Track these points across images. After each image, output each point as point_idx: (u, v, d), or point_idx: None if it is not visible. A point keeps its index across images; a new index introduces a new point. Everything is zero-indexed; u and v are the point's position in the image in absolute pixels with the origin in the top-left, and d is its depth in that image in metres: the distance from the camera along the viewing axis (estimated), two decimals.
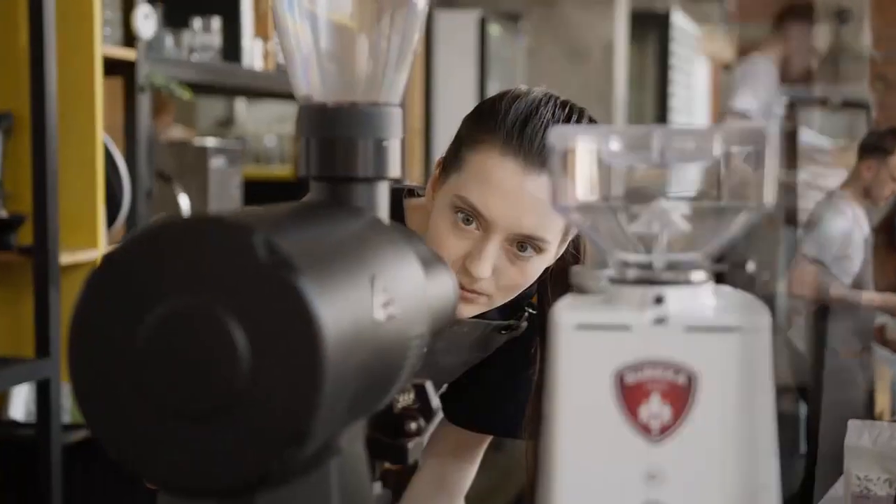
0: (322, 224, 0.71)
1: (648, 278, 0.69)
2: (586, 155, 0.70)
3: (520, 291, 1.29)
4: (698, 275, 0.70)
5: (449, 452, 1.49)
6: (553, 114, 1.26)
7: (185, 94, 2.70)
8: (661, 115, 7.45)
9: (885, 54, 9.67)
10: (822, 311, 4.24)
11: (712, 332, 0.67)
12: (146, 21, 2.59)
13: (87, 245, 2.47)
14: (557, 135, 0.70)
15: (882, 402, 4.18)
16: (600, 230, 0.72)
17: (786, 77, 4.55)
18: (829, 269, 4.19)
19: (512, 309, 1.40)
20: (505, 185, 1.22)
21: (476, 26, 4.70)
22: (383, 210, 0.81)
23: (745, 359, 0.67)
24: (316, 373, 0.59)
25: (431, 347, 0.80)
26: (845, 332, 4.36)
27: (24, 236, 2.37)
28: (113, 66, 2.60)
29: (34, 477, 2.36)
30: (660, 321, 0.67)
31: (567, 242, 1.33)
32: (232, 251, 0.60)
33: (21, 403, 2.63)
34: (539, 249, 1.25)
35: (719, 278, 0.73)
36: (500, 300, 1.29)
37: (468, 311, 1.28)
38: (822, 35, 4.57)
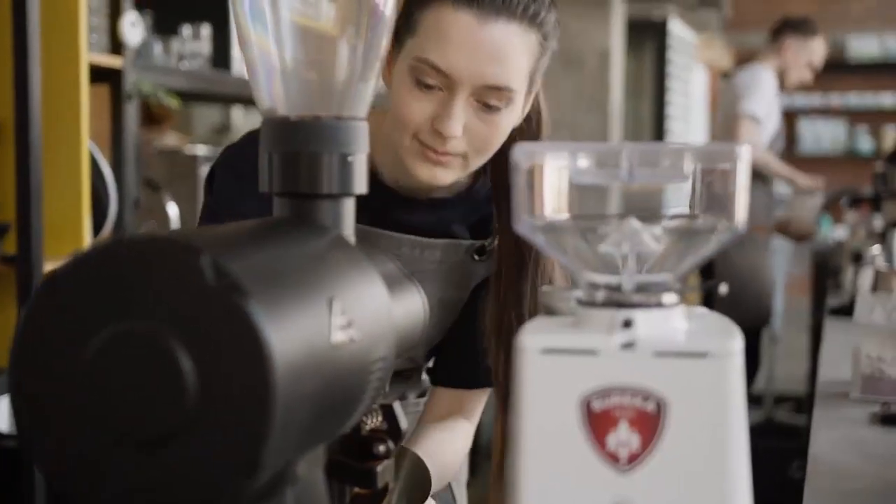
0: (280, 243, 0.68)
1: (617, 301, 0.67)
2: (553, 172, 0.68)
3: (492, 151, 1.27)
4: (669, 297, 0.68)
5: (446, 414, 1.45)
6: None
7: (173, 102, 2.67)
8: (658, 122, 7.43)
9: None
10: None
11: (682, 357, 0.64)
12: (133, 28, 2.57)
13: (72, 254, 2.44)
14: (523, 152, 0.68)
15: None
16: (568, 250, 0.70)
17: (782, 87, 4.56)
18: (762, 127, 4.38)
19: (482, 232, 1.38)
20: (462, 38, 1.19)
21: None
22: (349, 227, 0.79)
23: (717, 385, 0.64)
24: (265, 400, 0.57)
25: None
26: (757, 205, 4.47)
27: (8, 245, 2.35)
28: (100, 74, 2.57)
29: (18, 488, 2.33)
30: (628, 346, 0.65)
31: (533, 94, 1.30)
32: (179, 273, 0.58)
33: (4, 414, 2.60)
34: (506, 100, 1.23)
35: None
36: (476, 162, 1.26)
37: (445, 175, 1.26)
38: (819, 47, 4.56)
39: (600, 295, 0.68)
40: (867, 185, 7.05)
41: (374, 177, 1.35)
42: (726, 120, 4.53)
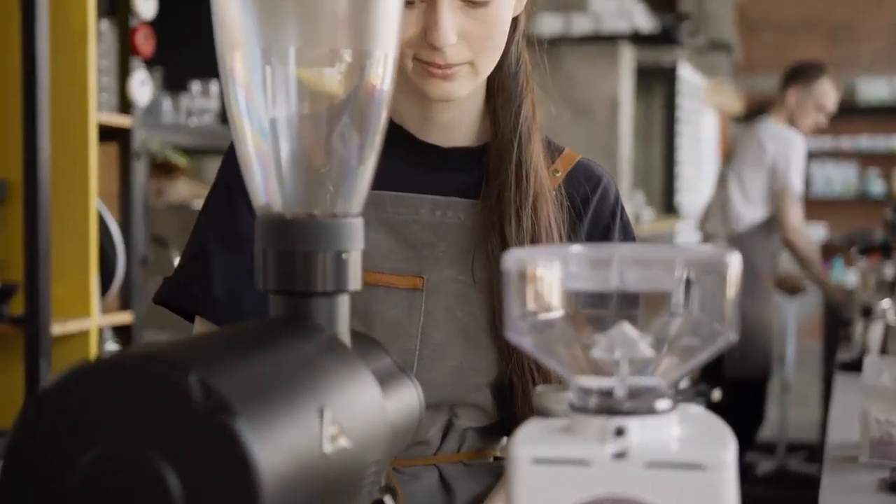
0: (270, 351, 0.68)
1: (610, 407, 0.67)
2: (543, 278, 0.68)
3: (498, 49, 1.18)
4: (662, 403, 0.67)
5: None
6: None
7: (181, 161, 2.69)
8: (668, 168, 7.44)
9: None
10: (748, 234, 4.39)
11: (675, 468, 0.64)
12: (142, 87, 2.59)
13: (81, 314, 2.45)
14: (512, 258, 0.67)
15: None
16: (559, 354, 0.69)
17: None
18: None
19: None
20: None
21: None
22: (343, 324, 0.79)
23: (711, 497, 0.64)
24: None
25: None
26: (764, 254, 4.45)
27: (16, 306, 2.35)
28: (109, 133, 2.59)
29: None
30: (620, 456, 0.64)
31: None
32: (166, 393, 0.58)
33: None
34: None
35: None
36: (485, 64, 1.18)
37: (456, 88, 1.18)
38: (830, 90, 4.56)
39: (592, 401, 0.67)
40: (879, 227, 7.04)
41: (398, 129, 1.28)
42: (735, 182, 4.51)
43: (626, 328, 0.68)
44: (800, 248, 4.40)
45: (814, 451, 5.21)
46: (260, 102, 0.78)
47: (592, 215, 1.28)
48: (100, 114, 2.51)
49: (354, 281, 0.79)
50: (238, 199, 1.25)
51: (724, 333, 0.67)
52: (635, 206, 6.25)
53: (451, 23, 1.14)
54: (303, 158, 0.79)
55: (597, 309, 0.70)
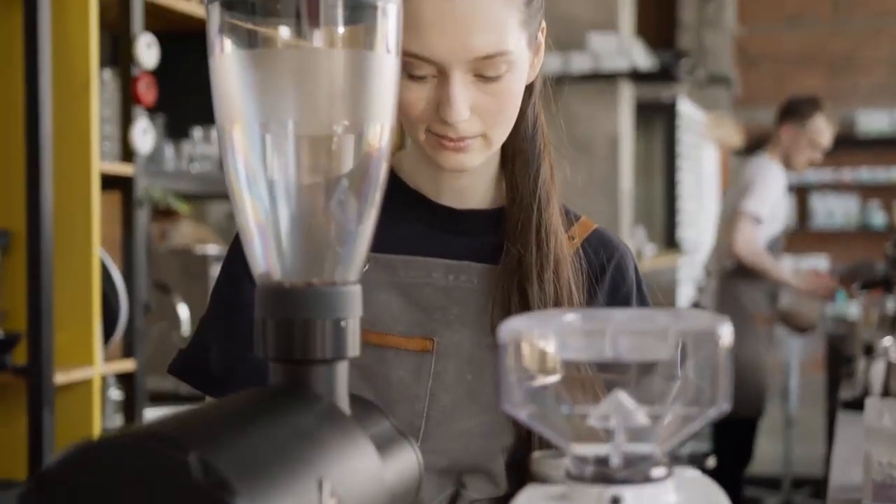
0: (268, 423, 0.69)
1: (605, 476, 0.67)
2: (538, 349, 0.69)
3: (511, 120, 1.17)
4: (658, 471, 0.68)
5: None
6: None
7: (182, 208, 2.70)
8: (670, 202, 7.46)
9: (748, 29, 9.71)
10: (737, 272, 4.37)
11: None
12: (144, 136, 2.61)
13: (84, 363, 2.46)
14: (508, 329, 0.68)
15: None
16: (556, 423, 0.70)
17: (788, 168, 4.55)
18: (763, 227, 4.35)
19: None
20: (432, 17, 1.11)
21: None
22: (342, 390, 0.79)
23: None
24: None
25: None
26: (758, 295, 4.41)
27: (19, 355, 2.36)
28: (111, 181, 2.61)
29: None
30: None
31: (541, 50, 1.22)
32: (167, 471, 0.59)
33: None
34: (505, 64, 1.13)
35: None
36: (498, 135, 1.18)
37: (469, 159, 1.17)
38: (825, 127, 4.56)
39: (588, 469, 0.68)
40: (880, 259, 7.04)
41: (413, 192, 1.28)
42: (727, 212, 4.53)
43: (622, 396, 0.69)
44: (753, 263, 4.31)
45: (819, 487, 5.20)
46: (259, 173, 0.79)
47: (610, 284, 1.27)
48: (102, 163, 2.53)
49: (353, 348, 0.80)
50: (242, 277, 1.26)
51: (717, 402, 0.68)
52: (637, 241, 6.26)
53: (463, 98, 1.13)
54: (301, 227, 0.80)
55: (592, 377, 0.71)
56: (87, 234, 2.45)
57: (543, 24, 1.23)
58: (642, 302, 1.28)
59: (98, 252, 2.48)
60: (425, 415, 1.19)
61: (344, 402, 0.79)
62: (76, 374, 2.44)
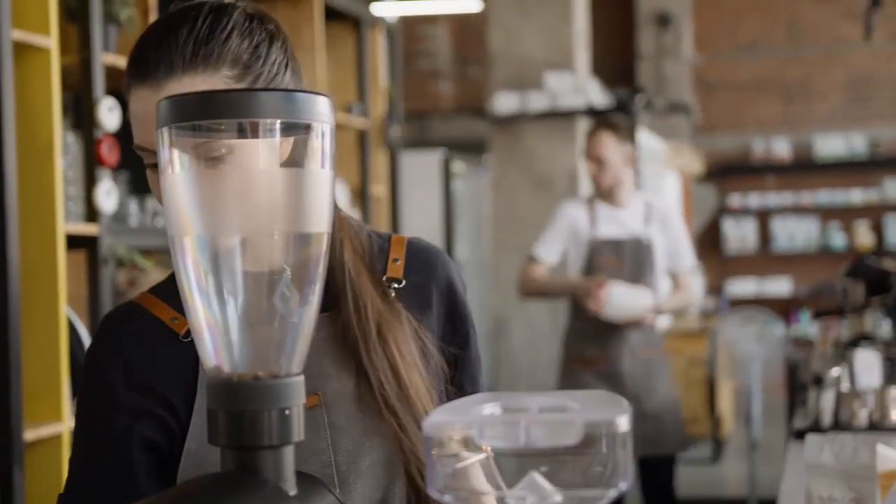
0: None
1: None
2: (459, 440, 0.77)
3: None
4: None
5: None
6: (170, 16, 1.21)
7: (147, 265, 2.77)
8: None
9: (706, 58, 9.89)
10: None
11: None
12: (108, 196, 2.68)
13: (52, 419, 2.51)
14: (430, 424, 0.77)
15: None
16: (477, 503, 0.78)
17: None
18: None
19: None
20: (145, 111, 1.18)
21: (440, 164, 4.81)
22: (288, 472, 0.87)
23: None
24: None
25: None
26: (579, 339, 4.12)
27: None
28: (76, 240, 2.68)
29: None
30: None
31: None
32: None
33: None
34: (226, 148, 1.15)
35: None
36: None
37: None
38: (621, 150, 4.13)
39: None
40: (840, 279, 7.15)
41: None
42: None
43: (536, 477, 0.77)
44: (530, 290, 4.10)
45: None
46: (208, 277, 0.87)
47: (446, 297, 1.34)
48: (67, 223, 2.59)
49: (298, 433, 0.88)
50: (113, 392, 1.25)
51: (617, 482, 0.76)
52: None
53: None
54: (247, 325, 0.88)
55: (508, 460, 0.79)
56: (53, 293, 2.52)
57: None
58: (465, 309, 1.35)
59: (64, 310, 2.54)
60: (333, 462, 1.26)
61: (290, 484, 0.87)
62: (45, 431, 2.49)
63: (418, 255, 1.34)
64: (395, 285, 1.30)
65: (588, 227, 4.06)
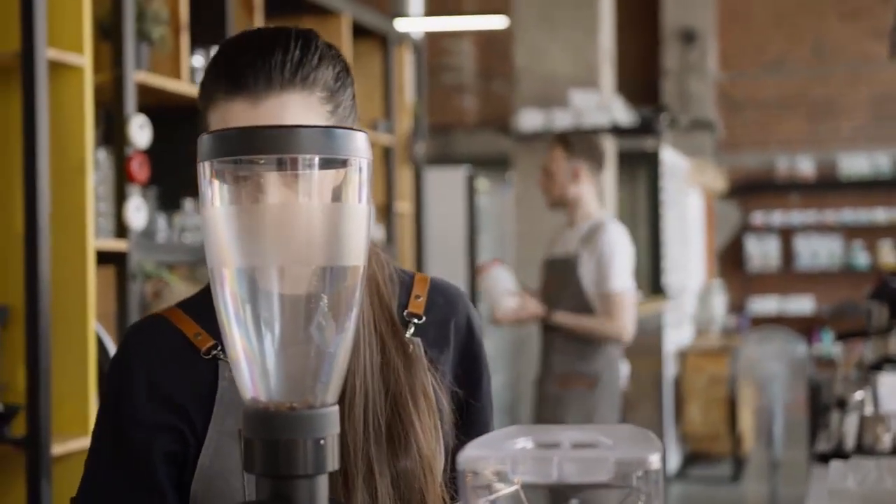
0: None
1: None
2: (493, 474, 0.78)
3: None
4: None
5: None
6: (261, 35, 1.25)
7: (174, 281, 2.80)
8: (655, 248, 7.57)
9: (731, 75, 9.87)
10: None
11: None
12: (137, 213, 2.71)
13: (81, 433, 2.54)
14: (465, 458, 0.78)
15: None
16: None
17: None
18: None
19: None
20: (237, 124, 1.19)
21: (464, 181, 4.84)
22: (322, 501, 0.89)
23: None
24: None
25: None
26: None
27: (17, 427, 2.45)
28: (106, 256, 2.71)
29: None
30: None
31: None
32: None
33: None
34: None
35: None
36: None
37: None
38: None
39: None
40: (864, 300, 7.11)
41: None
42: None
43: None
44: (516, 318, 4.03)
45: None
46: (246, 309, 0.89)
47: (464, 335, 1.36)
48: (97, 240, 2.62)
49: (332, 462, 0.89)
50: (133, 403, 1.27)
51: None
52: None
53: None
54: (284, 357, 0.90)
55: (540, 493, 0.80)
56: (83, 309, 2.55)
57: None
58: (480, 350, 1.37)
59: (93, 325, 2.57)
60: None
61: None
62: (73, 445, 2.52)
63: (440, 294, 1.37)
64: (416, 321, 1.32)
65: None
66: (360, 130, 0.91)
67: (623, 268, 3.92)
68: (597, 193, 4.09)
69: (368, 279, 1.31)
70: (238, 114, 1.21)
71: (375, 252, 1.33)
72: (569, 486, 0.78)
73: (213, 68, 1.25)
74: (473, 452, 0.79)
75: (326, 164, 0.89)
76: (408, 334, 1.30)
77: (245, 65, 1.21)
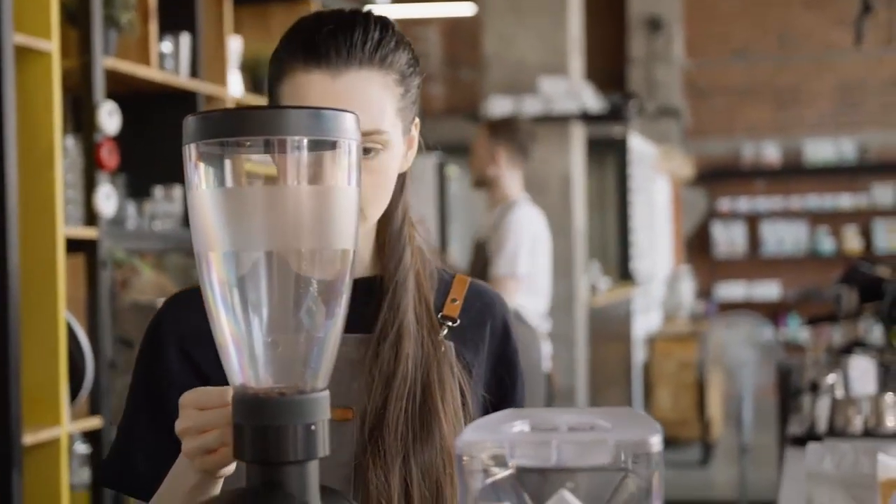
0: None
1: None
2: (491, 458, 0.77)
3: (385, 198, 1.25)
4: None
5: None
6: (341, 14, 1.25)
7: (144, 269, 2.77)
8: (623, 235, 7.60)
9: (697, 63, 9.93)
10: None
11: None
12: (107, 200, 2.68)
13: (51, 423, 2.51)
14: (463, 441, 0.77)
15: None
16: None
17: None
18: None
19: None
20: (320, 95, 1.19)
21: (434, 168, 4.82)
22: (313, 487, 0.88)
23: None
24: None
25: None
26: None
27: None
28: (76, 244, 2.67)
29: None
30: None
31: (415, 142, 1.30)
32: None
33: None
34: (381, 143, 1.21)
35: None
36: (374, 213, 1.25)
37: None
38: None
39: None
40: (829, 285, 7.14)
41: None
42: None
43: (566, 495, 0.78)
44: None
45: None
46: (233, 293, 0.88)
47: (499, 338, 1.35)
48: (67, 227, 2.59)
49: (323, 448, 0.88)
50: (164, 359, 1.28)
51: (651, 503, 0.76)
52: (592, 276, 6.37)
53: None
54: (273, 342, 0.88)
55: (538, 476, 0.79)
56: (53, 297, 2.51)
57: (417, 120, 1.31)
58: (514, 355, 1.36)
59: (64, 314, 2.54)
60: (353, 480, 1.24)
61: (315, 499, 0.87)
62: (44, 435, 2.49)
63: (477, 298, 1.35)
64: (450, 324, 1.31)
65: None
66: (348, 112, 0.89)
67: (514, 252, 3.90)
68: (518, 178, 4.12)
69: (415, 275, 1.30)
70: (316, 85, 1.20)
71: (420, 249, 1.33)
72: (566, 469, 0.78)
73: (289, 41, 1.24)
74: (470, 436, 0.78)
75: (314, 145, 0.87)
76: (441, 336, 1.29)
77: (326, 37, 1.21)
